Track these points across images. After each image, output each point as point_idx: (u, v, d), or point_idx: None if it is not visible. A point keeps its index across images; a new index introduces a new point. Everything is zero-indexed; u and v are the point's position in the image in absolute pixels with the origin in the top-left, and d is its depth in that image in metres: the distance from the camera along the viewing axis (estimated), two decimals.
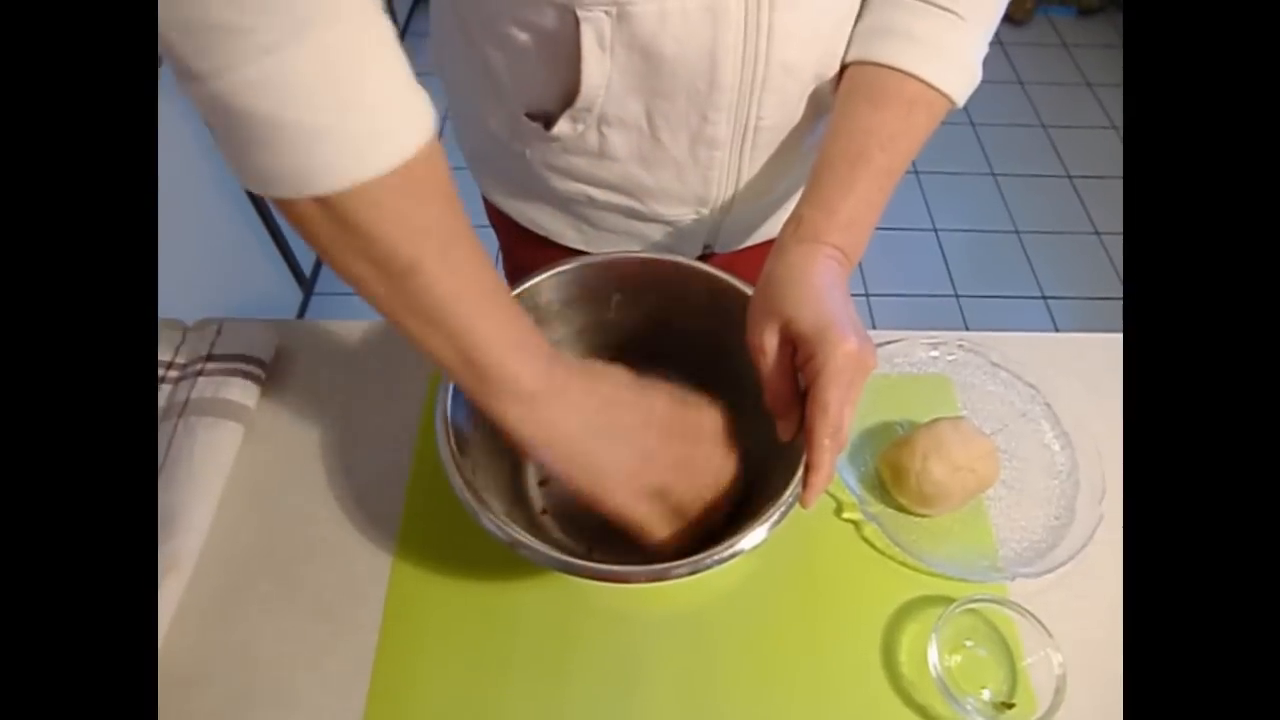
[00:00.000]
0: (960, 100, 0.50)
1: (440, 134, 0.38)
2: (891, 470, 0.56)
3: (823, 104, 0.56)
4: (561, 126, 0.54)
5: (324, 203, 0.35)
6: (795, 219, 0.49)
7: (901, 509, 0.56)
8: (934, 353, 0.64)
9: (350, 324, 0.65)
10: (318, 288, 1.78)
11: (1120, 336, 0.66)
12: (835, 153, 0.49)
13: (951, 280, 1.87)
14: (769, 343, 0.45)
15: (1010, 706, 0.48)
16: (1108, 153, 2.18)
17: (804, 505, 0.43)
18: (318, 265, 1.80)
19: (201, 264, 1.31)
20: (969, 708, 0.46)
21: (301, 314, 1.72)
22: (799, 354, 0.44)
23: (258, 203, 1.48)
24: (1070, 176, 2.10)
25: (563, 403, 0.43)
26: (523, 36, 0.51)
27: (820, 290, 0.45)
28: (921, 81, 0.48)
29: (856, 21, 0.52)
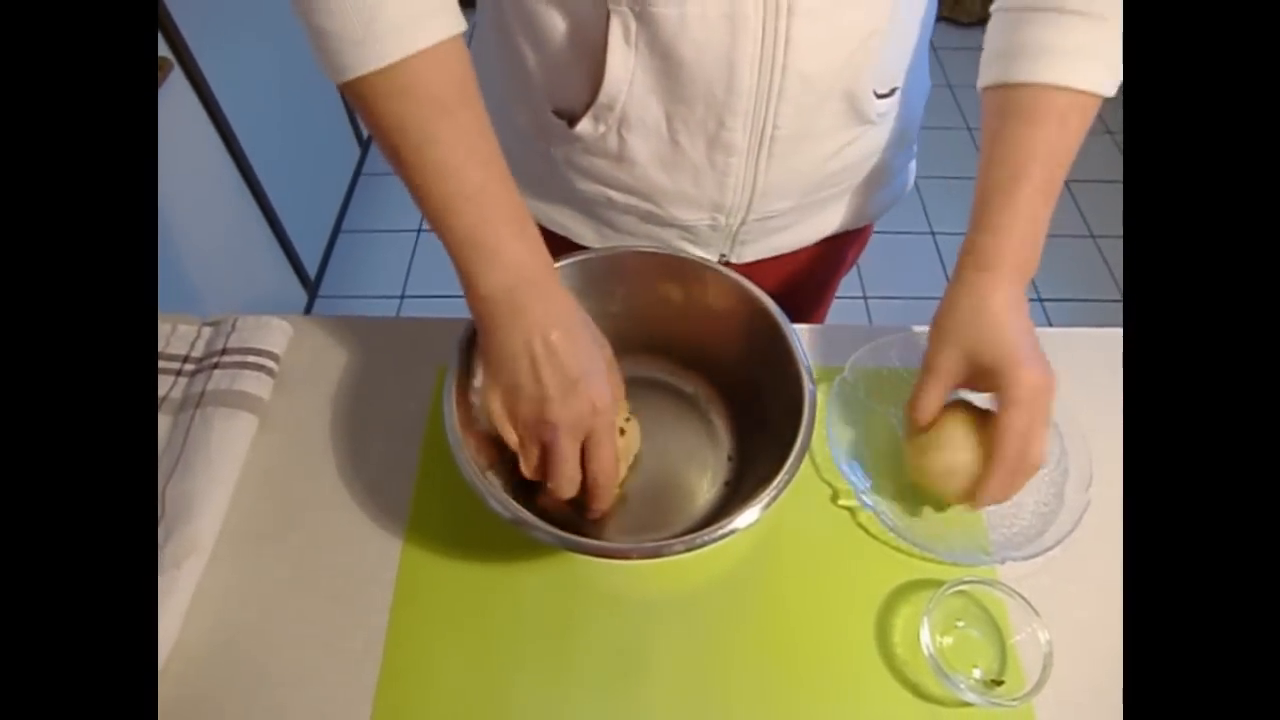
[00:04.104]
0: (1111, 93, 0.51)
1: None
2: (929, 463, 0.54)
3: (848, 123, 0.58)
4: (584, 126, 0.56)
5: (347, 87, 0.45)
6: (970, 246, 0.52)
7: (897, 496, 0.58)
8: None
9: (359, 319, 0.67)
10: (322, 290, 1.80)
11: (1108, 331, 0.68)
12: (1000, 176, 0.51)
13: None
14: (946, 365, 0.51)
15: (1000, 683, 0.50)
16: (1103, 158, 2.20)
17: (975, 507, 0.52)
18: (322, 269, 1.82)
19: (210, 270, 1.33)
20: (961, 685, 0.48)
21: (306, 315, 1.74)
22: (982, 382, 0.51)
23: (265, 209, 1.50)
24: (1065, 181, 2.12)
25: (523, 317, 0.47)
26: (557, 27, 0.53)
27: (1002, 321, 0.50)
28: (1071, 90, 0.49)
29: (985, 46, 0.53)
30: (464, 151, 0.46)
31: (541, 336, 0.47)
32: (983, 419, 0.53)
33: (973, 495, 0.52)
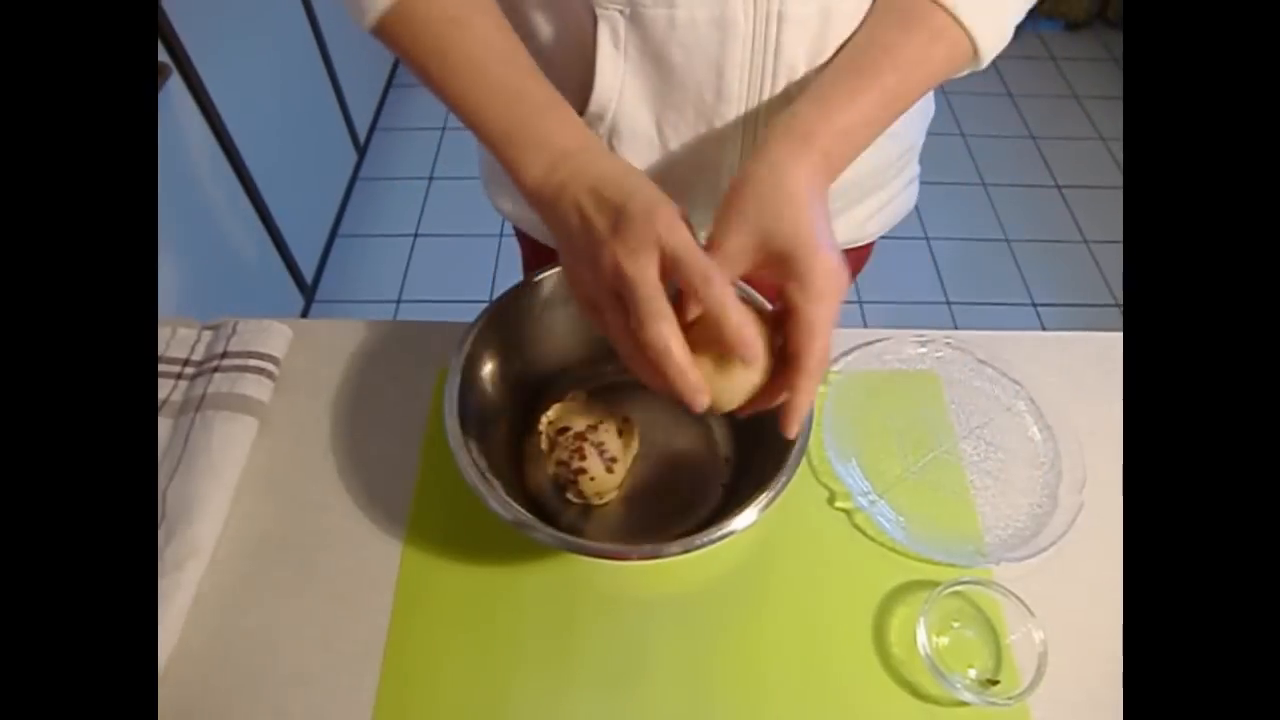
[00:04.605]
0: (984, 51, 0.48)
1: None
2: None
3: None
4: None
5: (376, 33, 0.48)
6: (789, 114, 0.46)
7: (894, 498, 0.59)
8: (922, 349, 0.67)
9: (359, 322, 0.68)
10: (319, 295, 1.80)
11: (1102, 335, 0.69)
12: (847, 63, 0.48)
13: (944, 287, 1.90)
14: (737, 246, 0.42)
15: (995, 683, 0.50)
16: (1095, 163, 2.22)
17: (787, 432, 0.42)
18: (318, 273, 1.82)
19: (206, 274, 1.33)
20: (957, 685, 0.48)
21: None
22: (771, 269, 0.42)
23: (262, 213, 1.50)
24: (1059, 186, 2.14)
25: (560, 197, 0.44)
26: (547, 34, 0.53)
27: (802, 201, 0.42)
28: (951, 15, 0.47)
29: None
30: (481, 52, 0.47)
31: (589, 191, 0.42)
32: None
33: (756, 405, 0.44)
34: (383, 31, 0.48)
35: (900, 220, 0.73)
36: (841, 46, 0.51)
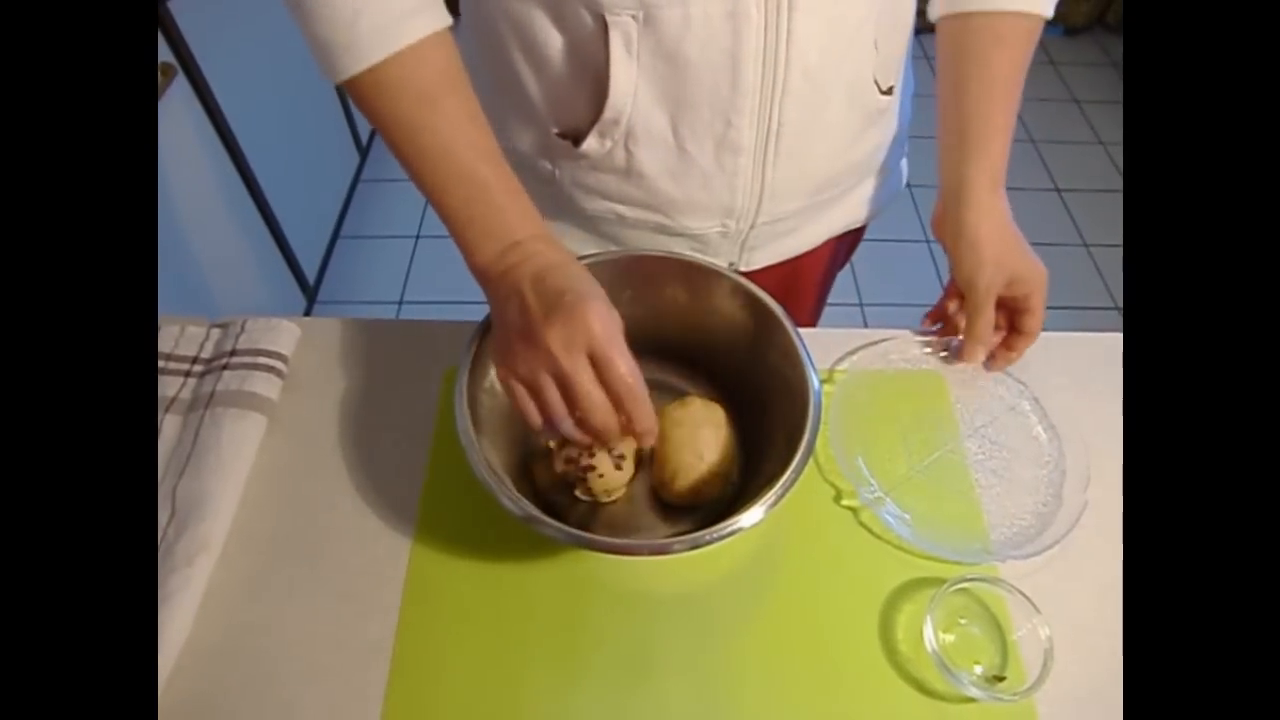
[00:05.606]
0: (1050, 14, 0.58)
1: None
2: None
3: (851, 119, 0.59)
4: (590, 143, 0.57)
5: (344, 86, 0.48)
6: (986, 167, 0.59)
7: (899, 496, 0.59)
8: (927, 350, 0.67)
9: (367, 321, 0.68)
10: (321, 295, 1.81)
11: (1104, 336, 0.69)
12: (986, 96, 0.59)
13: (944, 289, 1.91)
14: (995, 288, 0.60)
15: (1001, 679, 0.50)
16: (1095, 167, 2.23)
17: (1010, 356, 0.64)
18: (320, 275, 1.82)
19: (210, 275, 1.33)
20: (963, 681, 0.49)
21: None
22: (1012, 289, 0.61)
23: (265, 214, 1.50)
24: (1059, 190, 2.15)
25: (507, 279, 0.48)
26: (554, 48, 0.53)
27: (1017, 233, 0.61)
28: (1034, 15, 0.58)
29: None
30: (448, 137, 0.48)
31: (530, 279, 0.46)
32: (708, 413, 0.56)
33: (698, 492, 0.54)
34: (352, 90, 0.48)
35: (894, 197, 0.75)
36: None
